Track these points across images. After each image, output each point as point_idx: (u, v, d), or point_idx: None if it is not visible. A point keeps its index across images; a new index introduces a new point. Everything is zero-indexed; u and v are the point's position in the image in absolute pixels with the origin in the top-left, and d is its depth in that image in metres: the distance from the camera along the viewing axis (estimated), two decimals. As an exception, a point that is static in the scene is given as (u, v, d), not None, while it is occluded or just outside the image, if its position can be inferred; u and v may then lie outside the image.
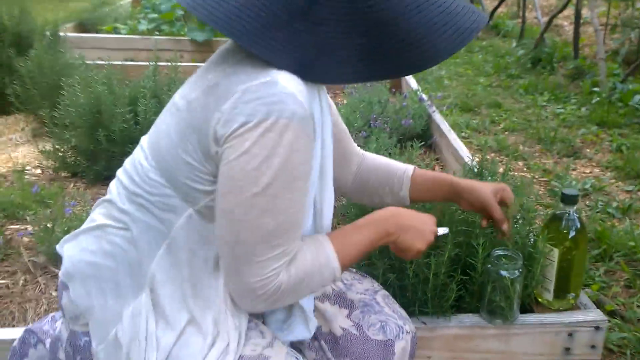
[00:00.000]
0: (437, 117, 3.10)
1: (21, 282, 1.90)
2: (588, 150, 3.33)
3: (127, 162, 1.10)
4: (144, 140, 1.09)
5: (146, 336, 1.00)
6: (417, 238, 1.11)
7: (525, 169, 3.08)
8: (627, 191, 2.79)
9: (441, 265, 1.42)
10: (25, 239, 2.13)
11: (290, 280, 0.96)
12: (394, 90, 3.73)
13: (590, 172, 3.04)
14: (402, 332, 1.21)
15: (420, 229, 1.11)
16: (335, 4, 0.91)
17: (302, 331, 1.16)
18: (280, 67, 0.91)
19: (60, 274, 1.10)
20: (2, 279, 1.93)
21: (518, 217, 1.61)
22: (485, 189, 1.30)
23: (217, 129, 0.90)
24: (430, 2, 0.95)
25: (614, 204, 2.61)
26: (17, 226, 2.24)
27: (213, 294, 1.02)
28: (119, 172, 1.10)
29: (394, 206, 1.17)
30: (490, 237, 1.48)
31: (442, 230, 1.21)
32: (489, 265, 1.42)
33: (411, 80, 3.88)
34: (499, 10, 6.74)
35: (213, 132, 0.91)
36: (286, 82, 0.89)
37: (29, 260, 1.99)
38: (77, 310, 1.06)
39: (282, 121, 0.88)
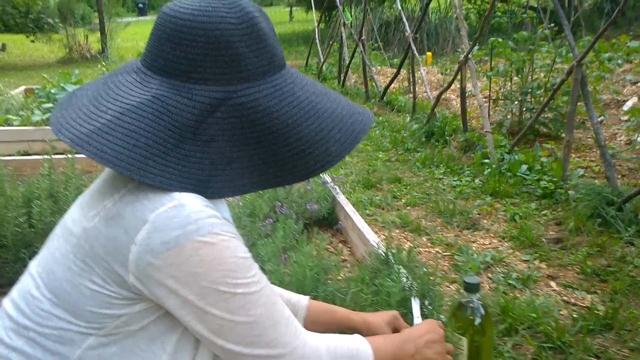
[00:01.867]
0: (342, 199, 3.17)
1: None
2: (485, 221, 3.50)
3: (15, 291, 1.03)
4: (33, 267, 1.02)
5: None
6: (436, 354, 1.24)
7: (429, 244, 3.18)
8: (525, 261, 2.94)
9: None
10: None
11: (326, 350, 1.03)
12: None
13: (490, 244, 3.19)
14: None
15: (435, 343, 1.25)
16: (223, 121, 0.93)
17: None
18: (177, 190, 0.91)
19: None
20: None
21: (427, 303, 1.65)
22: (379, 322, 1.36)
23: (138, 261, 0.88)
24: (318, 109, 0.99)
25: (514, 275, 2.74)
26: None
27: None
28: (5, 303, 1.02)
29: None
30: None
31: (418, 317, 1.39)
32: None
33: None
34: (392, 86, 7.11)
35: (133, 263, 0.89)
36: (192, 202, 0.90)
37: None
38: None
39: (206, 236, 0.89)
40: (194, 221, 0.88)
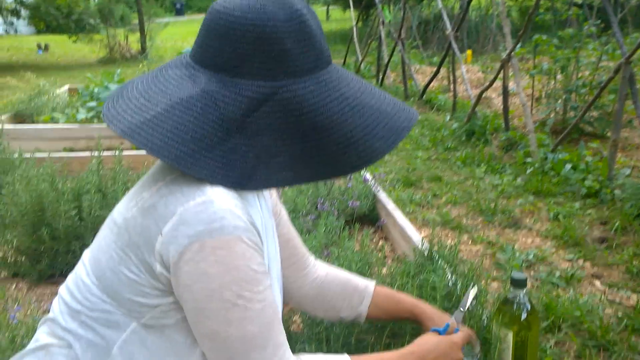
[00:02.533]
0: (382, 197, 3.18)
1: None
2: (527, 220, 3.46)
3: (69, 278, 1.09)
4: (86, 255, 1.08)
5: None
6: None
7: (470, 242, 3.16)
8: (568, 260, 2.90)
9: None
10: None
11: None
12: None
13: (532, 242, 3.15)
14: None
15: None
16: (269, 115, 0.94)
17: None
18: (219, 184, 0.93)
19: None
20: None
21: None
22: (445, 320, 1.34)
23: (162, 251, 0.92)
24: (363, 105, 1.00)
25: (557, 274, 2.71)
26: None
27: None
28: (61, 289, 1.09)
29: (344, 320, 1.26)
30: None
31: (465, 306, 1.34)
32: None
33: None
34: (431, 85, 7.07)
35: (158, 254, 0.92)
36: (222, 200, 0.91)
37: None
38: None
39: (227, 237, 0.90)
40: (219, 219, 0.90)
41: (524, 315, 1.51)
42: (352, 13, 10.50)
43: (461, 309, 1.32)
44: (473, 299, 1.35)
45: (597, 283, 2.65)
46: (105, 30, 14.19)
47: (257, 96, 0.94)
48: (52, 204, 2.49)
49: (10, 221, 2.55)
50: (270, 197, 1.28)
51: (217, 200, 0.91)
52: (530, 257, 2.90)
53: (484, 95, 5.88)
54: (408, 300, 1.37)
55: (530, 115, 4.54)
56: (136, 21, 15.27)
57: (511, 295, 1.54)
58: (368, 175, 3.34)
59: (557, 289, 2.59)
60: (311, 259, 1.38)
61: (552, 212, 3.47)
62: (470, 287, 1.32)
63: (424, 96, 6.89)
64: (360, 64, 9.45)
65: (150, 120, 0.93)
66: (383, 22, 8.29)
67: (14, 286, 2.56)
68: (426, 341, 1.19)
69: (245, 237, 0.92)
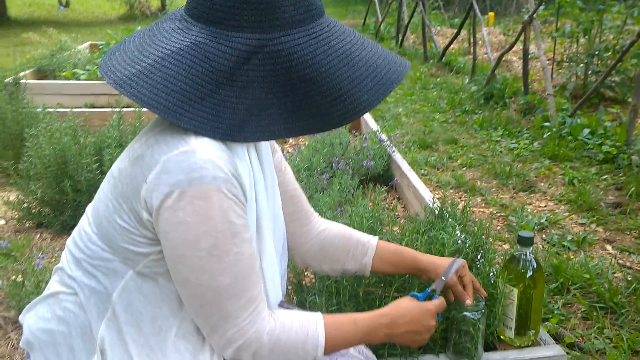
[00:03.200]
0: (397, 157, 3.21)
1: (-11, 339, 1.89)
2: (542, 184, 3.47)
3: (75, 229, 1.14)
4: (89, 207, 1.13)
5: None
6: (412, 342, 1.17)
7: (483, 204, 3.19)
8: (581, 224, 2.92)
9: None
10: (-8, 295, 2.11)
11: (271, 334, 1.01)
12: (354, 131, 3.83)
13: (545, 206, 3.17)
14: None
15: (414, 333, 1.16)
16: (259, 67, 0.95)
17: None
18: (207, 135, 0.94)
19: (20, 343, 1.13)
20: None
21: (479, 257, 1.69)
22: (446, 266, 1.35)
23: (146, 199, 0.95)
24: (352, 58, 1.00)
25: (569, 237, 2.73)
26: (-18, 281, 2.21)
27: (160, 354, 1.04)
28: (68, 240, 1.14)
29: (350, 273, 1.29)
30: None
31: (447, 274, 1.31)
32: (453, 310, 1.49)
33: (370, 121, 4.00)
34: (451, 47, 6.98)
35: (143, 201, 0.95)
36: (204, 150, 0.93)
37: (-1, 316, 1.98)
38: None
39: (206, 187, 0.92)
40: (199, 169, 0.91)
41: (529, 273, 1.56)
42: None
43: (442, 277, 1.30)
44: (455, 272, 1.35)
45: (609, 247, 2.68)
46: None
47: (246, 48, 0.94)
48: (75, 157, 2.57)
49: (35, 173, 2.63)
50: (275, 154, 1.29)
51: (200, 150, 0.92)
52: (543, 220, 2.93)
53: (504, 59, 5.81)
54: (409, 253, 1.38)
55: (550, 79, 4.49)
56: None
57: (517, 253, 1.58)
58: (383, 136, 3.36)
59: (568, 252, 2.62)
60: (315, 215, 1.40)
61: (567, 177, 3.48)
62: (455, 257, 1.32)
63: (444, 58, 6.82)
64: (380, 24, 9.33)
65: (140, 72, 0.95)
66: (405, -18, 8.16)
67: (38, 236, 2.65)
68: (401, 305, 1.17)
69: (225, 188, 0.93)
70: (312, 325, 1.06)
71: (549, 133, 4.14)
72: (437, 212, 1.96)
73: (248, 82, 0.95)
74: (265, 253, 1.12)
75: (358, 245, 1.37)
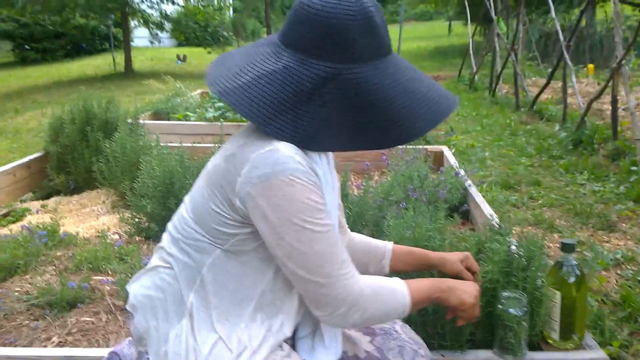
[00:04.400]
0: (473, 191, 3.35)
1: (104, 319, 2.24)
2: (623, 224, 3.47)
3: (174, 215, 1.40)
4: (186, 197, 1.39)
5: (186, 352, 1.23)
6: (464, 295, 1.37)
7: (560, 240, 3.25)
8: (661, 263, 2.90)
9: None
10: (107, 287, 2.48)
11: (367, 288, 1.22)
12: (433, 166, 4.00)
13: (624, 245, 3.17)
14: (417, 356, 1.45)
15: (464, 289, 1.38)
16: (334, 91, 1.16)
17: (326, 356, 1.36)
18: (286, 140, 1.16)
19: (127, 306, 1.40)
20: (88, 317, 2.27)
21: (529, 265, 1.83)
22: (454, 259, 1.57)
23: (240, 190, 1.16)
24: (411, 91, 1.23)
25: (645, 274, 2.74)
26: (101, 277, 2.60)
27: (238, 320, 1.25)
28: (169, 225, 1.40)
29: (371, 274, 1.46)
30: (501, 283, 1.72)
31: None
32: (499, 305, 1.65)
33: (451, 158, 4.17)
34: (544, 97, 7.02)
35: (237, 192, 1.16)
36: (285, 148, 1.14)
37: (111, 303, 2.33)
38: (139, 333, 1.33)
39: (290, 177, 1.12)
40: (282, 163, 1.12)
41: (572, 279, 1.69)
42: (469, 27, 10.53)
43: None
44: (461, 260, 1.59)
45: (686, 286, 2.66)
46: (237, 43, 15.21)
47: (325, 75, 1.16)
48: (180, 178, 2.95)
49: (146, 193, 3.04)
50: (333, 171, 1.52)
51: (282, 149, 1.13)
52: (618, 256, 2.94)
53: (597, 108, 5.80)
54: (420, 252, 1.61)
55: (639, 124, 4.47)
56: (265, 35, 16.24)
57: (561, 259, 1.72)
58: (462, 171, 3.53)
59: (642, 286, 2.63)
60: (345, 225, 1.63)
61: (651, 218, 3.46)
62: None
63: (535, 107, 6.85)
64: (474, 75, 9.48)
65: (241, 87, 1.18)
66: (498, 34, 8.31)
67: (145, 246, 3.04)
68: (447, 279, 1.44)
69: (305, 177, 1.13)
70: (399, 286, 1.28)
71: (636, 177, 4.11)
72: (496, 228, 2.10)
73: (324, 102, 1.16)
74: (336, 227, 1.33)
75: (377, 250, 1.60)
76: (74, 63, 18.94)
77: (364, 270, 1.59)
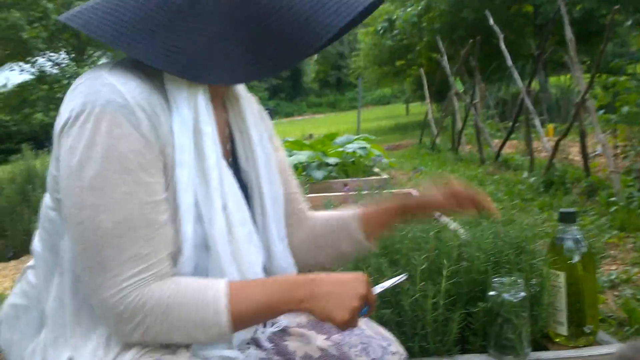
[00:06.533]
0: (445, 220, 3.06)
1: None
2: (612, 251, 3.21)
3: None
4: None
5: None
6: (336, 307, 0.92)
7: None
8: (660, 282, 2.63)
9: (438, 295, 1.32)
10: None
11: (160, 301, 0.86)
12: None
13: (616, 269, 2.90)
14: (386, 353, 1.09)
15: (340, 295, 0.92)
16: (218, 1, 0.90)
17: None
18: (162, 68, 0.89)
19: None
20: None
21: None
22: (432, 191, 1.17)
23: (56, 129, 0.90)
24: None
25: (646, 292, 2.45)
26: None
27: (92, 325, 0.93)
28: None
29: (350, 254, 1.13)
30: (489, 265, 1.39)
31: (382, 287, 1.03)
32: (491, 292, 1.31)
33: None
34: (508, 150, 6.95)
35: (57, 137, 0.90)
36: (110, 76, 0.88)
37: None
38: (5, 350, 1.05)
39: (96, 110, 0.85)
40: (94, 93, 0.86)
41: (576, 255, 1.37)
42: (426, 90, 10.65)
43: (379, 288, 1.03)
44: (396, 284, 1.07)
45: (694, 301, 2.37)
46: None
47: None
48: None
49: None
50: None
51: (105, 75, 0.88)
52: (613, 277, 2.67)
53: (564, 156, 5.68)
54: (394, 204, 1.18)
55: (612, 156, 4.31)
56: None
57: (561, 233, 1.40)
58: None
59: (644, 304, 2.33)
60: (309, 217, 1.24)
61: (639, 242, 3.20)
62: (401, 275, 1.07)
63: (500, 158, 6.75)
64: (436, 138, 9.47)
65: (91, 6, 0.91)
66: (457, 93, 8.34)
67: None
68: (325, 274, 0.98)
69: (119, 114, 0.85)
70: (212, 288, 0.89)
71: (616, 207, 3.89)
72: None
73: (207, 15, 0.89)
74: (213, 203, 0.95)
75: (345, 220, 1.20)
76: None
77: (336, 253, 1.20)
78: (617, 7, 3.90)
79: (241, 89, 1.11)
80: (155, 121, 0.89)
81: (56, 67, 18.38)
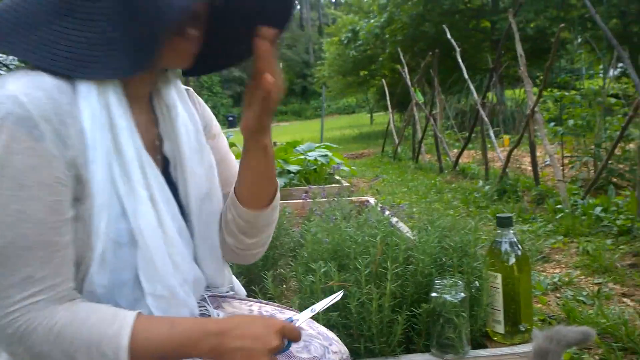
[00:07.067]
0: (401, 226, 3.16)
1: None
2: (556, 255, 3.35)
3: None
4: None
5: None
6: (253, 344, 0.88)
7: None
8: (596, 283, 2.77)
9: (383, 297, 1.41)
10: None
11: (52, 327, 0.82)
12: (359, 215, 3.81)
13: (560, 272, 3.04)
14: (328, 352, 1.10)
15: (250, 351, 0.87)
16: None
17: None
18: (44, 66, 0.86)
19: None
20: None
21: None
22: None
23: None
24: None
25: (584, 293, 2.59)
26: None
27: None
28: None
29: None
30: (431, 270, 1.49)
31: (313, 311, 1.01)
32: (433, 293, 1.40)
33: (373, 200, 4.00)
34: (465, 160, 7.12)
35: None
36: (13, 85, 0.82)
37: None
38: None
39: None
40: None
41: (512, 257, 1.48)
42: (388, 101, 10.83)
43: (312, 309, 1.01)
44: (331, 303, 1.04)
45: (627, 300, 2.52)
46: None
47: None
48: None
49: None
50: (203, 117, 1.15)
51: (8, 85, 0.83)
52: (556, 279, 2.80)
53: (517, 165, 5.89)
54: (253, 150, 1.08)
55: (559, 166, 4.50)
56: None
57: (498, 237, 1.51)
58: (387, 211, 3.34)
59: (584, 305, 2.47)
60: None
61: (581, 246, 3.37)
62: (336, 293, 1.05)
63: (457, 167, 6.93)
64: (397, 147, 9.63)
65: None
66: (417, 104, 8.51)
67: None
68: (238, 316, 0.96)
69: (18, 127, 0.80)
70: (117, 321, 0.85)
71: (562, 214, 4.07)
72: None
73: (89, 14, 0.86)
74: (140, 219, 0.92)
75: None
76: None
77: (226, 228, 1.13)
78: (562, 25, 4.08)
79: (174, 84, 1.07)
80: (64, 132, 0.85)
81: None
